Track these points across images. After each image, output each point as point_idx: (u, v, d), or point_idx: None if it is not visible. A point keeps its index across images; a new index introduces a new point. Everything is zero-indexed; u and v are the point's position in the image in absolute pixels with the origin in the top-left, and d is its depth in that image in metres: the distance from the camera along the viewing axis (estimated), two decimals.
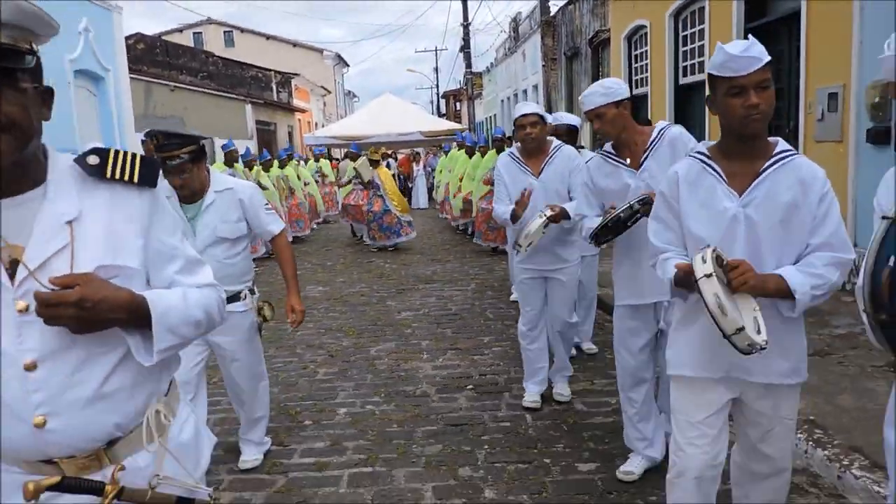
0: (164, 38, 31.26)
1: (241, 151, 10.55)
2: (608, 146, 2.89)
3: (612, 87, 2.77)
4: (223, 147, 10.53)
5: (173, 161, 2.72)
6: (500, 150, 8.41)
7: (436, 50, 48.27)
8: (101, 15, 11.30)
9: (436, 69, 49.33)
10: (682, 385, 2.10)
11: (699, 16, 8.09)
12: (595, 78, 12.96)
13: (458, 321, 5.80)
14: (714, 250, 1.78)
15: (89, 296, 1.18)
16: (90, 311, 1.19)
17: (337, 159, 18.98)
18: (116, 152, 1.35)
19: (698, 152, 2.06)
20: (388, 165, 14.46)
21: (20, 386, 1.23)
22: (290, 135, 29.64)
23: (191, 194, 2.86)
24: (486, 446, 3.32)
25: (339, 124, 22.91)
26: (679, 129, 2.80)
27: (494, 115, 26.13)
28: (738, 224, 1.93)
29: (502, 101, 23.83)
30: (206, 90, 22.60)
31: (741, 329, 1.70)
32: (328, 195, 13.98)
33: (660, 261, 2.09)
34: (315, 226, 12.86)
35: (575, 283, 3.76)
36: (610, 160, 2.83)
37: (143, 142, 4.52)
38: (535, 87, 17.84)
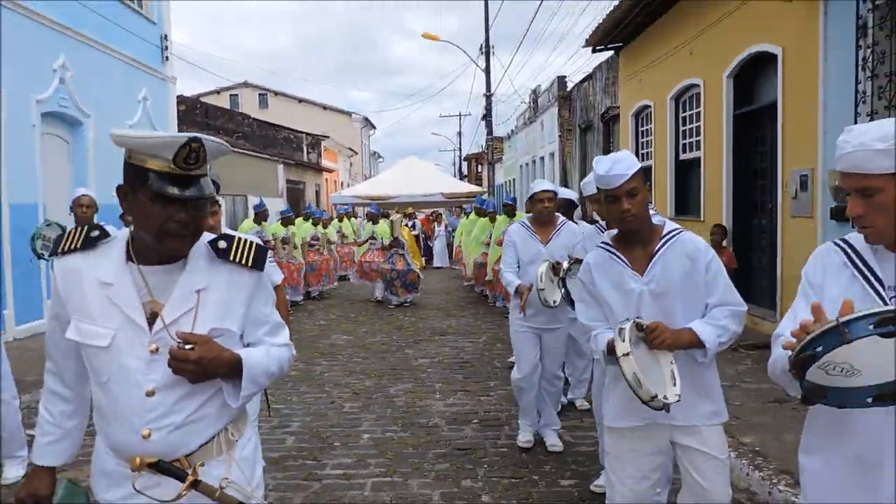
0: (202, 99, 33.13)
1: (276, 208, 11.38)
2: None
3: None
4: (255, 207, 10.89)
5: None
6: (509, 215, 9.00)
7: (459, 115, 50.08)
8: (158, 85, 12.53)
9: (459, 133, 51.04)
10: (615, 434, 2.40)
11: (696, 100, 8.97)
12: (606, 149, 13.86)
13: (469, 368, 6.46)
14: (633, 322, 2.14)
15: (205, 356, 1.56)
16: (204, 367, 1.57)
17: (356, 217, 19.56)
18: (240, 240, 1.71)
19: (604, 243, 2.41)
20: (413, 226, 15.21)
21: (140, 406, 1.61)
22: (318, 193, 30.96)
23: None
24: (486, 465, 3.96)
25: (365, 184, 23.91)
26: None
27: (514, 179, 27.20)
28: (644, 299, 2.29)
29: (521, 166, 24.91)
30: (241, 150, 23.97)
31: (654, 396, 2.05)
32: (347, 255, 14.21)
33: (592, 336, 2.39)
34: (335, 283, 13.45)
35: (564, 341, 4.23)
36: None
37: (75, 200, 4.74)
38: (552, 154, 18.82)
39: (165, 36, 12.87)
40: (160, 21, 12.70)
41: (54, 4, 8.97)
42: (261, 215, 10.45)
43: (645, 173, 2.42)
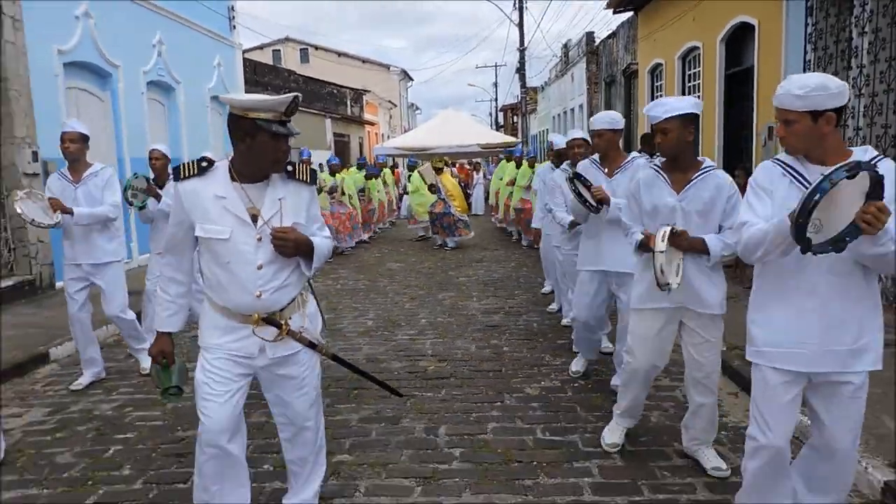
0: (246, 56, 34.63)
1: (323, 159, 12.47)
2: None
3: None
4: (301, 154, 12.13)
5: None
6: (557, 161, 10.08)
7: (495, 66, 50.86)
8: (228, 51, 14.28)
9: (495, 84, 51.79)
10: (638, 315, 3.14)
11: (697, 60, 10.31)
12: (627, 102, 15.17)
13: (499, 283, 8.23)
14: (671, 227, 2.75)
15: (299, 238, 2.32)
16: (297, 245, 2.32)
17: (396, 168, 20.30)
18: (299, 164, 2.40)
19: (655, 165, 3.06)
20: (452, 174, 16.44)
21: (252, 275, 2.32)
22: (361, 146, 32.67)
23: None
24: (507, 335, 5.74)
25: (406, 136, 25.16)
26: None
27: (547, 129, 28.43)
28: (676, 212, 2.94)
29: (554, 116, 26.13)
30: None
31: (668, 283, 2.73)
32: (382, 204, 14.88)
33: (630, 233, 3.13)
34: (378, 229, 14.69)
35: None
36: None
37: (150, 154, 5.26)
38: (581, 106, 20.07)
39: (232, 7, 14.52)
40: None
41: None
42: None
43: (684, 119, 2.90)
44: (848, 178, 1.91)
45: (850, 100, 5.96)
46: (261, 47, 43.48)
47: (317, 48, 44.64)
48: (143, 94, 10.50)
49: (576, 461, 3.27)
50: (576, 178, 3.82)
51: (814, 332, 2.23)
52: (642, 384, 3.27)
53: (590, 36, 18.61)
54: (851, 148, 2.26)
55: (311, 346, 2.51)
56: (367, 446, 3.52)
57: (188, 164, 2.35)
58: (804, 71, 6.84)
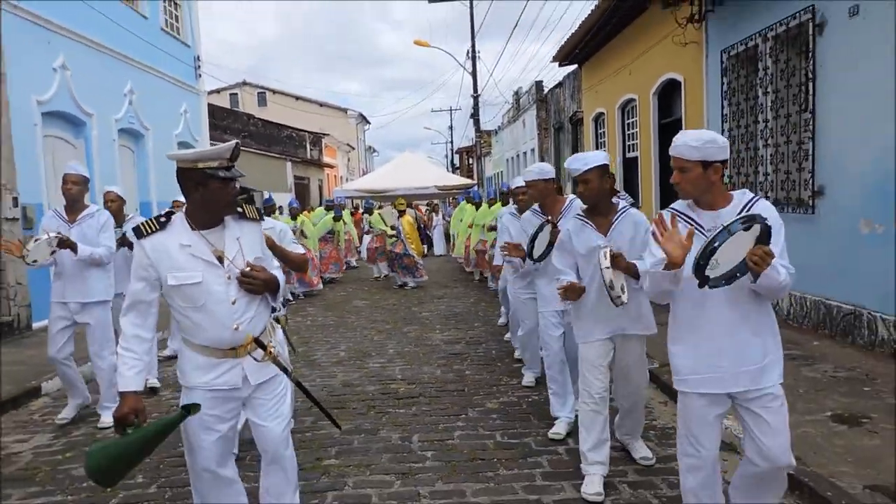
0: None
1: (283, 202, 12.70)
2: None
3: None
4: (264, 201, 11.87)
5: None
6: (504, 203, 10.75)
7: (450, 109, 52.40)
8: (194, 98, 14.82)
9: (450, 127, 53.28)
10: (586, 346, 3.49)
11: (634, 110, 11.35)
12: (575, 147, 16.23)
13: (460, 316, 8.86)
14: (608, 248, 3.06)
15: (267, 277, 2.53)
16: (266, 284, 2.54)
17: (355, 210, 20.65)
18: (248, 208, 2.63)
19: (578, 215, 3.47)
20: (414, 216, 16.94)
21: (228, 311, 2.50)
22: (321, 188, 33.21)
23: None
24: (468, 361, 6.34)
25: (365, 179, 25.68)
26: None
27: (501, 171, 29.55)
28: (604, 253, 3.09)
29: (507, 159, 27.27)
30: (251, 149, 26.16)
31: (619, 296, 3.00)
32: (348, 243, 15.53)
33: (559, 277, 3.46)
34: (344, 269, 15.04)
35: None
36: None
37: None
38: (533, 150, 21.17)
39: (198, 56, 15.11)
40: (193, 43, 14.94)
41: (123, 38, 11.23)
42: (269, 209, 11.14)
43: (600, 169, 3.32)
44: (744, 230, 2.25)
45: (759, 148, 6.94)
46: (218, 91, 43.65)
47: (274, 92, 45.19)
48: (114, 141, 10.94)
49: (529, 457, 3.87)
50: (546, 225, 4.06)
51: (724, 356, 2.49)
52: (604, 415, 3.46)
53: (539, 84, 19.82)
54: (732, 192, 2.59)
55: (284, 370, 2.70)
56: (350, 452, 4.05)
57: (147, 222, 2.51)
58: (722, 123, 7.82)
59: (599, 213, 3.43)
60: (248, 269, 2.51)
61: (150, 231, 2.48)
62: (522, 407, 4.84)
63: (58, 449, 4.30)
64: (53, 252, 4.53)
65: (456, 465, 3.77)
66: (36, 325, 8.23)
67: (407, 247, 12.45)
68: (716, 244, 2.23)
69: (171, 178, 10.19)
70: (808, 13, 6.10)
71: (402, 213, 12.96)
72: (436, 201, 23.64)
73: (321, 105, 46.99)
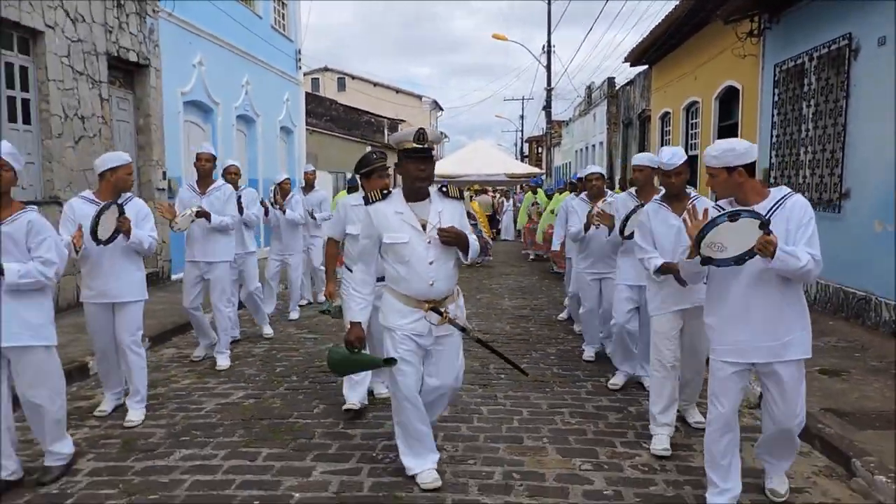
0: None
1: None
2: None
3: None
4: (348, 181, 13.04)
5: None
6: (573, 191, 11.78)
7: (522, 99, 53.20)
8: (294, 88, 16.52)
9: (521, 117, 54.09)
10: (660, 318, 3.83)
11: (697, 112, 12.24)
12: (641, 143, 17.10)
13: (525, 289, 10.14)
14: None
15: (459, 233, 3.10)
16: (457, 237, 3.10)
17: None
18: (449, 185, 3.27)
19: (657, 200, 3.91)
20: (490, 202, 18.07)
21: (426, 269, 3.11)
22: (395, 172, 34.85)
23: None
24: (532, 321, 7.63)
25: (438, 164, 27.26)
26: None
27: (570, 161, 30.41)
28: (679, 232, 3.53)
29: (576, 151, 28.12)
30: (333, 133, 27.99)
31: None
32: None
33: (646, 259, 3.76)
34: None
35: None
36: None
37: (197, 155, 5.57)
38: (602, 143, 22.02)
39: (299, 50, 16.80)
40: (296, 38, 16.62)
41: (243, 35, 12.94)
42: (353, 188, 12.32)
43: (686, 164, 3.86)
44: (730, 221, 2.67)
45: (800, 154, 7.88)
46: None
47: (353, 77, 46.93)
48: (233, 126, 12.69)
49: (577, 382, 5.15)
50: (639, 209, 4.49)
51: (747, 331, 2.85)
52: (672, 381, 3.84)
53: (611, 81, 20.65)
54: (770, 189, 2.92)
55: (462, 329, 3.28)
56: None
57: (374, 192, 3.21)
58: (771, 130, 8.75)
59: (678, 199, 3.87)
60: (447, 227, 3.12)
61: (375, 200, 3.18)
62: (575, 354, 6.08)
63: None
64: (192, 221, 5.29)
65: (522, 383, 5.07)
66: (174, 276, 10.01)
67: (480, 230, 13.66)
68: (704, 233, 2.72)
69: (275, 159, 12.01)
70: (845, 39, 7.01)
71: (471, 199, 14.32)
72: (505, 188, 24.62)
73: (397, 92, 48.59)
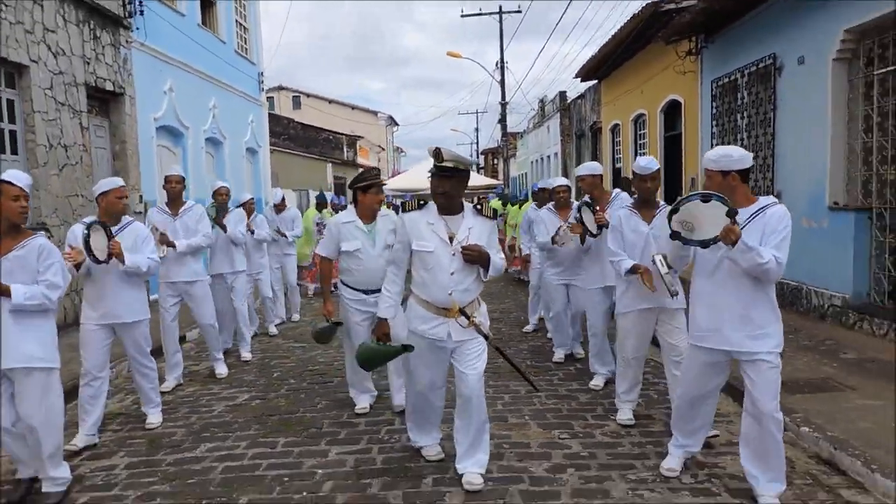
0: None
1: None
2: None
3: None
4: (317, 197, 13.32)
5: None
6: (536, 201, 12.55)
7: (477, 112, 54.27)
8: (257, 109, 16.90)
9: (476, 129, 55.06)
10: (624, 318, 4.19)
11: (644, 124, 13.13)
12: (594, 153, 18.00)
13: (493, 294, 10.74)
14: (663, 256, 3.60)
15: (481, 251, 3.27)
16: (479, 255, 3.27)
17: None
18: (483, 205, 3.47)
19: (628, 206, 4.20)
20: None
21: (447, 279, 3.29)
22: None
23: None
24: (502, 323, 8.20)
25: (397, 179, 27.64)
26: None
27: (525, 172, 31.38)
28: (648, 238, 4.01)
29: (532, 162, 29.07)
30: (293, 152, 28.27)
31: (676, 291, 3.68)
32: None
33: (617, 261, 4.07)
34: None
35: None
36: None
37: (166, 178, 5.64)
38: (556, 154, 22.95)
39: (261, 73, 17.19)
40: (257, 61, 17.02)
41: (210, 61, 13.31)
42: (322, 205, 12.55)
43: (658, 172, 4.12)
44: (702, 201, 2.96)
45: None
46: None
47: (308, 95, 47.07)
48: (202, 149, 13.01)
49: (550, 370, 5.73)
50: (585, 206, 4.93)
51: (723, 320, 3.12)
52: (636, 370, 4.28)
53: (563, 94, 21.61)
54: (759, 197, 3.16)
55: (484, 336, 3.43)
56: None
57: (409, 202, 3.53)
58: (711, 140, 9.61)
59: (648, 206, 4.15)
60: (470, 245, 3.30)
61: (410, 209, 3.48)
62: (545, 349, 6.68)
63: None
64: (164, 254, 5.22)
65: (501, 373, 5.60)
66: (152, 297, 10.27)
67: None
68: (678, 206, 3.04)
69: (241, 179, 12.34)
70: (771, 58, 7.88)
71: None
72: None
73: (353, 108, 48.98)
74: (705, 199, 2.94)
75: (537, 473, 3.63)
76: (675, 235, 3.09)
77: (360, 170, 27.29)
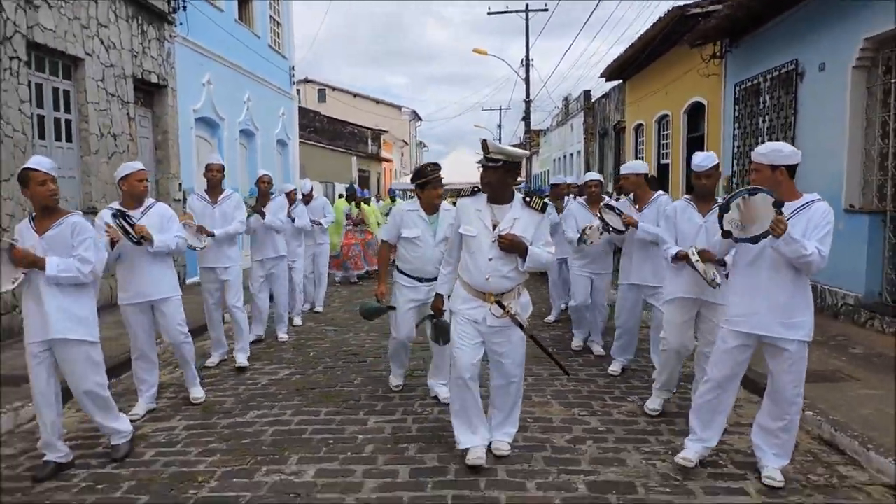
0: None
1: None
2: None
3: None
4: (346, 189, 13.82)
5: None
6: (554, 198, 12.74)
7: (500, 109, 54.52)
8: (288, 103, 17.36)
9: (499, 126, 55.24)
10: (669, 305, 4.18)
11: (668, 124, 13.34)
12: (617, 152, 18.21)
13: None
14: (695, 247, 3.75)
15: (515, 241, 3.37)
16: (511, 244, 3.37)
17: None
18: (533, 195, 3.49)
19: (686, 198, 4.18)
20: None
21: (485, 264, 3.44)
22: (378, 181, 35.82)
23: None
24: None
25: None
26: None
27: (548, 170, 31.58)
28: (701, 231, 3.96)
29: (554, 159, 29.28)
30: (319, 144, 28.77)
31: (714, 279, 3.71)
32: None
33: (665, 247, 4.11)
34: None
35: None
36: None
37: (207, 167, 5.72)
38: (579, 152, 23.16)
39: (292, 67, 17.64)
40: (289, 55, 17.46)
41: (245, 55, 13.77)
42: (352, 196, 12.47)
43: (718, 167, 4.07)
44: (749, 194, 3.04)
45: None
46: None
47: (333, 89, 47.46)
48: (236, 140, 13.49)
49: (570, 358, 6.05)
50: (606, 208, 5.16)
51: (760, 307, 3.22)
52: (676, 362, 4.26)
53: (587, 93, 21.80)
54: (804, 194, 3.25)
55: (519, 325, 3.53)
56: None
57: (464, 189, 3.63)
58: (733, 142, 9.84)
59: (706, 200, 4.15)
60: (506, 234, 3.41)
61: (464, 195, 3.62)
62: (565, 338, 6.99)
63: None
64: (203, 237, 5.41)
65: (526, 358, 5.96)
66: (189, 280, 10.75)
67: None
68: (730, 204, 3.14)
69: (272, 171, 12.58)
70: (793, 64, 8.10)
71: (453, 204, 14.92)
72: None
73: (377, 102, 49.28)
74: (752, 192, 3.04)
75: (559, 444, 3.98)
76: (726, 234, 3.19)
77: (383, 164, 27.80)
